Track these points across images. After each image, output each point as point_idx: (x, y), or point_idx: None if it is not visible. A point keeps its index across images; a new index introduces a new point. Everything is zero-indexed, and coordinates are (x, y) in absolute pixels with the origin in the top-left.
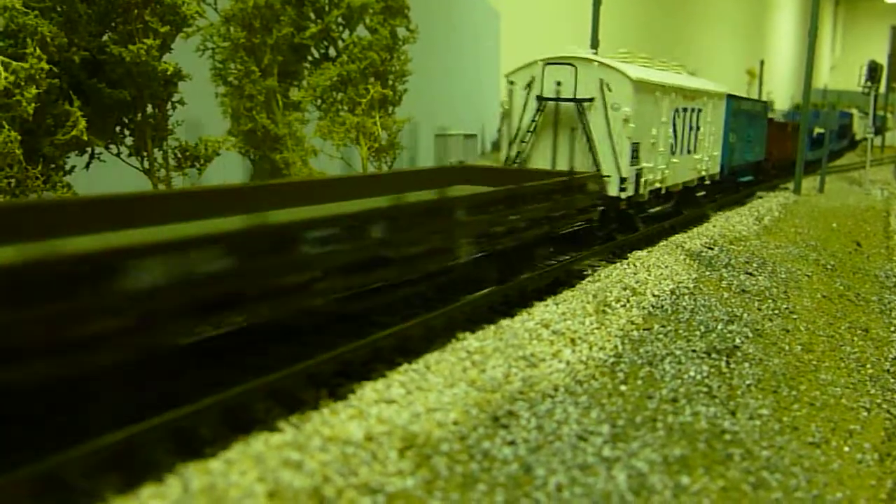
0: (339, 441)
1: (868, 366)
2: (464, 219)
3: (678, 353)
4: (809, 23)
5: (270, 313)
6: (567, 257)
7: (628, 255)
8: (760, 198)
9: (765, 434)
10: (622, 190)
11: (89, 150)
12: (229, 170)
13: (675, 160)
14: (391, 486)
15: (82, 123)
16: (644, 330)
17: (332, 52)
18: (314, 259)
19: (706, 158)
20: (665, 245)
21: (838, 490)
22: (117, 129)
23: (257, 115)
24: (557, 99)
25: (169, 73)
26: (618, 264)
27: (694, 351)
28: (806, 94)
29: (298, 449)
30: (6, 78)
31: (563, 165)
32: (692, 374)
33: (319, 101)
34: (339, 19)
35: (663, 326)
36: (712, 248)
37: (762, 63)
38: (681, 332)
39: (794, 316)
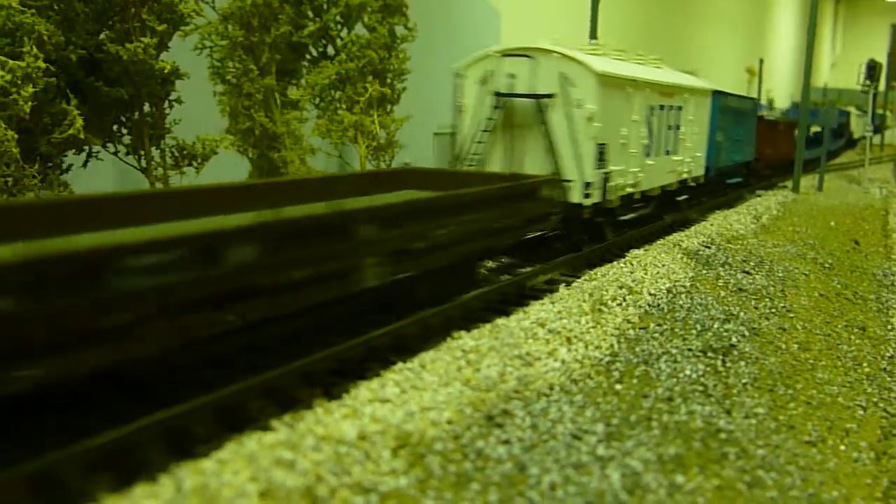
0: (333, 440)
1: (865, 364)
2: (368, 235)
3: (674, 351)
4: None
5: (68, 369)
6: (509, 276)
7: (625, 253)
8: (759, 196)
9: (760, 433)
10: (587, 196)
11: (86, 148)
12: (227, 169)
13: (650, 162)
14: (384, 486)
15: (79, 122)
16: (640, 329)
17: (330, 50)
18: (138, 295)
19: (688, 160)
20: (662, 243)
21: (834, 489)
22: (114, 127)
23: (255, 113)
24: (515, 95)
25: (166, 71)
26: (614, 263)
27: (690, 350)
28: (805, 91)
29: (291, 448)
30: (3, 77)
31: (522, 168)
32: (688, 372)
33: (318, 100)
34: (338, 17)
35: (659, 325)
36: (710, 247)
37: (761, 61)
38: (677, 330)
39: (791, 315)
